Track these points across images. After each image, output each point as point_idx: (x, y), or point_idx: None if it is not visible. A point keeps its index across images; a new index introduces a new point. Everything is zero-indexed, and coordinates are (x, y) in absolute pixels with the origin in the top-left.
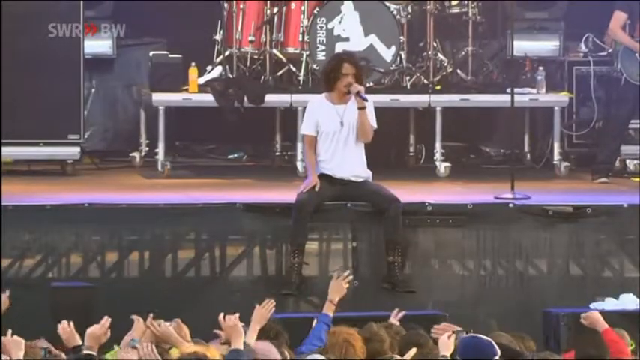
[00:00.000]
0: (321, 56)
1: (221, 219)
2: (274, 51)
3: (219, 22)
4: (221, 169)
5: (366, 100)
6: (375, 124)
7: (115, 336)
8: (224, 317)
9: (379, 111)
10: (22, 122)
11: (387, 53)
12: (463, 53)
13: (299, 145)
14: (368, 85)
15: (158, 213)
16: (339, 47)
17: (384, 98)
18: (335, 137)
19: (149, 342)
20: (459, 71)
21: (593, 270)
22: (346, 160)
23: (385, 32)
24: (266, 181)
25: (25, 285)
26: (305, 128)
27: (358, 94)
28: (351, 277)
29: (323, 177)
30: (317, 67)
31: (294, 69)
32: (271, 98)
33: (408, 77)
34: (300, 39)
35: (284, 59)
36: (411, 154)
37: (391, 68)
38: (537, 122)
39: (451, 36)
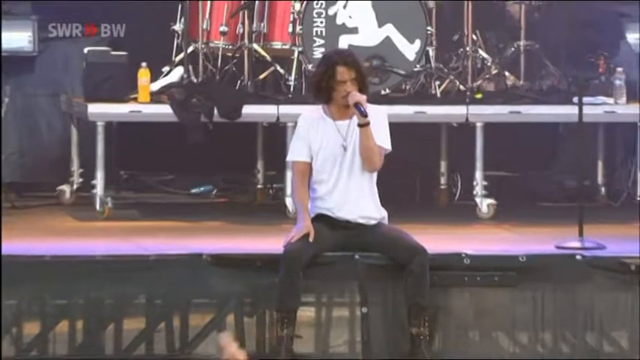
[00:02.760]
0: (318, 53)
1: (182, 276)
2: (255, 46)
3: (180, 6)
4: (182, 208)
5: (365, 116)
6: (388, 146)
7: None
8: None
9: (399, 128)
10: None
11: (410, 49)
12: (513, 49)
13: (289, 175)
14: (383, 92)
15: (95, 268)
16: (344, 41)
17: (406, 110)
18: (336, 165)
19: None
20: (507, 74)
21: None
22: (352, 196)
23: (407, 21)
24: (244, 224)
25: None
26: (294, 153)
27: (356, 106)
28: None
29: (320, 219)
30: (313, 69)
31: (281, 71)
32: (251, 110)
33: (437, 82)
34: (291, 30)
35: (268, 57)
36: (443, 186)
37: (415, 70)
38: (615, 143)
39: (497, 26)
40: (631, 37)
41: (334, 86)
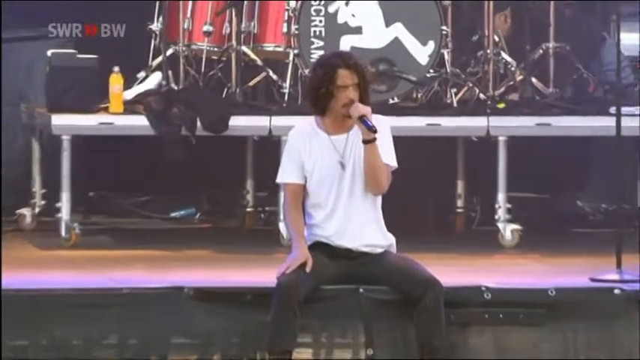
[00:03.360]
0: (317, 57)
1: (160, 312)
2: (244, 48)
3: (158, 3)
4: (160, 235)
5: (374, 131)
6: (393, 162)
7: None
8: None
9: (410, 142)
10: None
11: (422, 52)
12: (541, 52)
13: (282, 196)
14: (391, 101)
15: (61, 303)
16: (346, 43)
17: (417, 122)
18: (334, 186)
19: None
20: (534, 80)
21: None
22: (354, 221)
23: (419, 20)
24: (231, 252)
25: None
26: (285, 174)
27: (361, 119)
28: None
29: (318, 247)
30: (310, 74)
31: (275, 76)
32: (239, 122)
33: (454, 90)
34: (285, 30)
35: (259, 61)
36: (459, 210)
37: (428, 75)
38: None
39: (522, 25)
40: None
41: (334, 92)
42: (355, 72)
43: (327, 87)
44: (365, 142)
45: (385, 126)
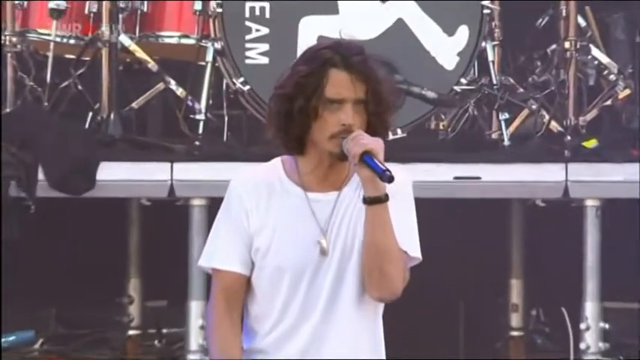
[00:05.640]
0: (256, 55)
1: None
2: (124, 39)
3: None
4: None
5: (388, 179)
6: (416, 251)
7: None
8: None
9: (427, 207)
10: None
11: (447, 47)
12: None
13: (193, 308)
14: (392, 136)
15: None
16: (310, 28)
17: (438, 174)
18: (302, 284)
19: None
20: None
21: None
22: (333, 347)
23: None
24: None
25: None
26: (216, 254)
27: (365, 158)
28: None
29: None
30: (247, 87)
31: (179, 91)
32: (116, 175)
33: (505, 115)
34: (199, 7)
35: (152, 63)
36: (515, 332)
37: (457, 89)
38: None
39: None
40: None
41: (318, 110)
42: (362, 79)
43: (307, 98)
44: (369, 200)
45: (404, 186)
